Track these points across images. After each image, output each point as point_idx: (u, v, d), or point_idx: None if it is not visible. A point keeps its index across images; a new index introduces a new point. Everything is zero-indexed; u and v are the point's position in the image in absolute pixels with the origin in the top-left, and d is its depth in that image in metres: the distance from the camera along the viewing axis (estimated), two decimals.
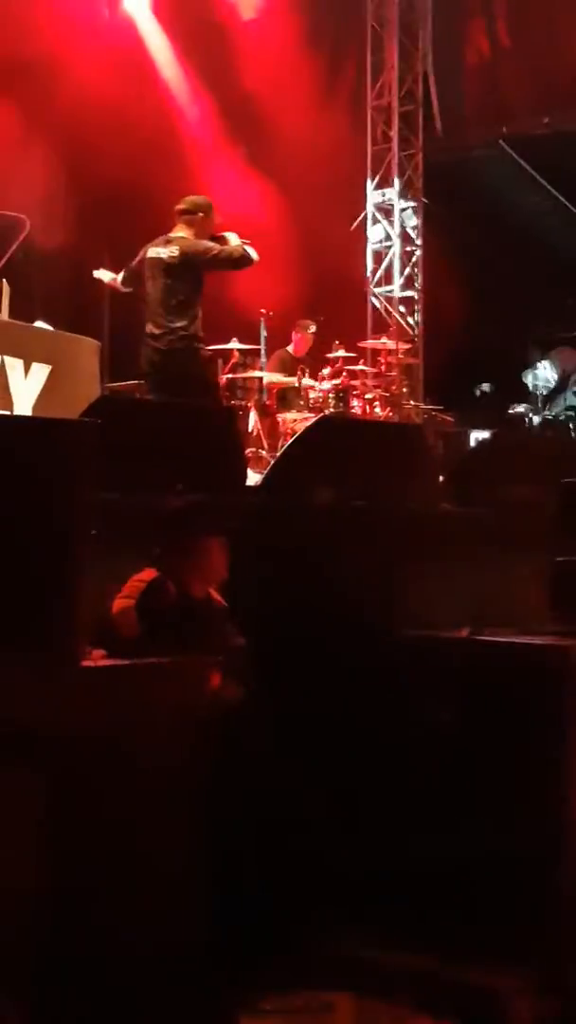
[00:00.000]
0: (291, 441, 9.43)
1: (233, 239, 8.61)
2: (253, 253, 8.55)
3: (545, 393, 14.21)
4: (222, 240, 8.59)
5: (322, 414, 10.68)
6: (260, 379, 11.24)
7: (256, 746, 4.69)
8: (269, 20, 13.49)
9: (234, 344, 10.92)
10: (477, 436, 11.45)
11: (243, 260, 8.54)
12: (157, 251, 8.55)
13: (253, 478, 8.17)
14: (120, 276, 8.96)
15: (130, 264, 8.87)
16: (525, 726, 4.39)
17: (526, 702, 4.39)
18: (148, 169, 12.10)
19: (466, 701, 4.54)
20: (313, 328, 11.89)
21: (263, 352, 11.31)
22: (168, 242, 8.55)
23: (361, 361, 12.43)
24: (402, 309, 14.70)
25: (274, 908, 4.60)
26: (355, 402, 11.48)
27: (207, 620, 4.94)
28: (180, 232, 8.59)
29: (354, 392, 11.54)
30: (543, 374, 14.56)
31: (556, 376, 14.48)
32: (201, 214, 8.66)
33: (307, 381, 11.17)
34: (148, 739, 4.21)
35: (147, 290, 8.58)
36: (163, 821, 4.21)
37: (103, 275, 9.14)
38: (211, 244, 8.53)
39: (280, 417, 10.95)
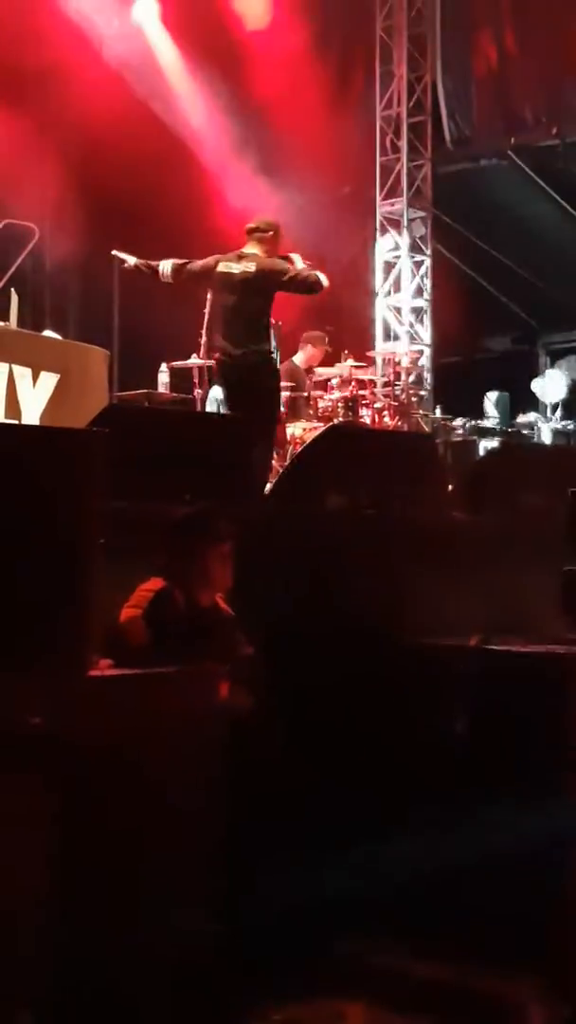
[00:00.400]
0: (300, 450, 9.44)
1: (298, 261, 8.73)
2: (324, 279, 8.63)
3: (555, 402, 14.21)
4: (288, 260, 8.71)
5: (331, 423, 10.68)
6: None
7: (266, 754, 4.68)
8: (278, 30, 13.52)
9: None
10: (486, 445, 11.45)
11: (316, 286, 8.64)
12: (229, 266, 8.67)
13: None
14: (166, 267, 8.91)
15: (186, 263, 8.91)
16: (534, 734, 4.38)
17: (535, 710, 4.38)
18: (157, 178, 12.14)
19: (476, 709, 4.53)
20: (320, 340, 11.87)
21: None
22: (241, 258, 8.66)
23: (371, 370, 12.43)
24: (411, 318, 14.71)
25: (283, 915, 4.58)
26: (364, 411, 11.48)
27: (215, 629, 4.93)
28: (252, 249, 8.68)
29: (363, 401, 11.54)
30: (552, 383, 14.56)
31: (565, 385, 14.48)
32: (271, 233, 8.76)
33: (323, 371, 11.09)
34: (156, 748, 4.21)
35: (214, 303, 8.84)
36: (171, 829, 4.20)
37: (125, 257, 9.14)
38: (287, 265, 8.66)
39: (289, 427, 10.95)
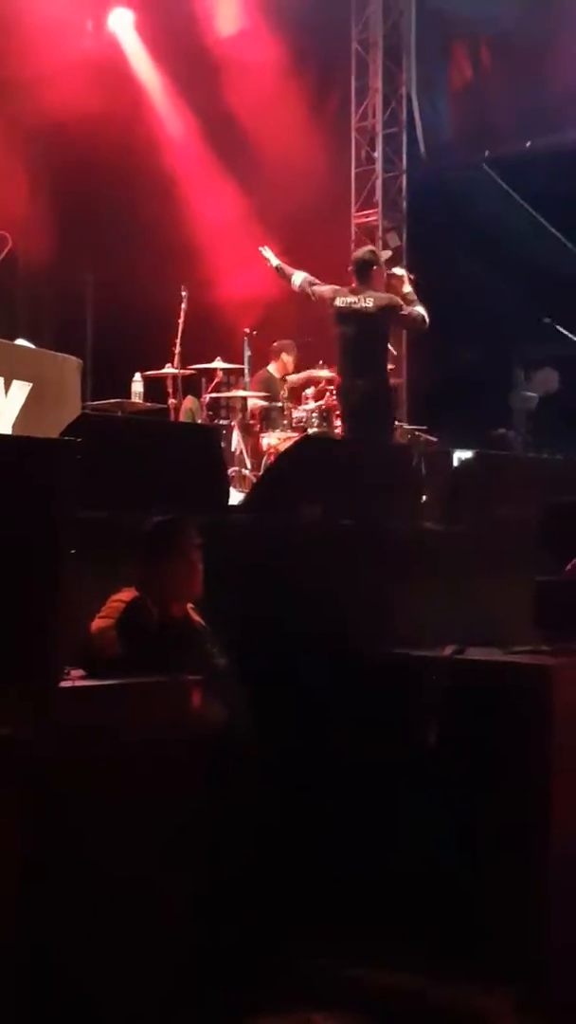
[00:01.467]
0: (274, 460, 9.44)
1: (406, 285, 9.53)
2: (427, 318, 9.48)
3: (528, 413, 14.23)
4: (398, 280, 9.59)
5: (305, 433, 10.66)
6: (243, 398, 11.23)
7: (239, 766, 4.65)
8: (253, 41, 13.52)
9: (218, 363, 10.91)
10: (460, 456, 11.42)
11: (424, 325, 9.52)
12: (346, 301, 9.39)
13: (236, 497, 8.15)
14: (296, 279, 9.77)
15: (313, 284, 9.74)
16: (508, 744, 4.37)
17: (509, 720, 4.37)
18: (131, 186, 12.11)
19: (450, 719, 4.51)
20: (293, 349, 11.85)
21: (247, 371, 11.29)
22: (356, 292, 9.40)
23: None
24: None
25: (256, 927, 4.56)
26: (338, 422, 11.47)
27: (187, 640, 4.90)
28: (364, 283, 9.42)
29: (337, 412, 11.52)
30: (526, 395, 14.59)
31: (538, 396, 14.51)
32: (377, 266, 9.61)
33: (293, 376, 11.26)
34: (128, 759, 4.17)
35: (338, 335, 9.56)
36: (143, 842, 4.16)
37: (269, 256, 9.96)
38: (399, 302, 9.40)
39: (263, 437, 10.93)
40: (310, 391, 11.47)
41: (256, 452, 10.89)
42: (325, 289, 9.60)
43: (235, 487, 9.36)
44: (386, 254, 9.77)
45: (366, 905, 4.67)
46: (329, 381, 11.66)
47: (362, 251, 9.77)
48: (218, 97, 13.34)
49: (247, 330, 11.36)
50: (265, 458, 10.59)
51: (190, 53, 13.36)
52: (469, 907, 4.47)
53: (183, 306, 10.71)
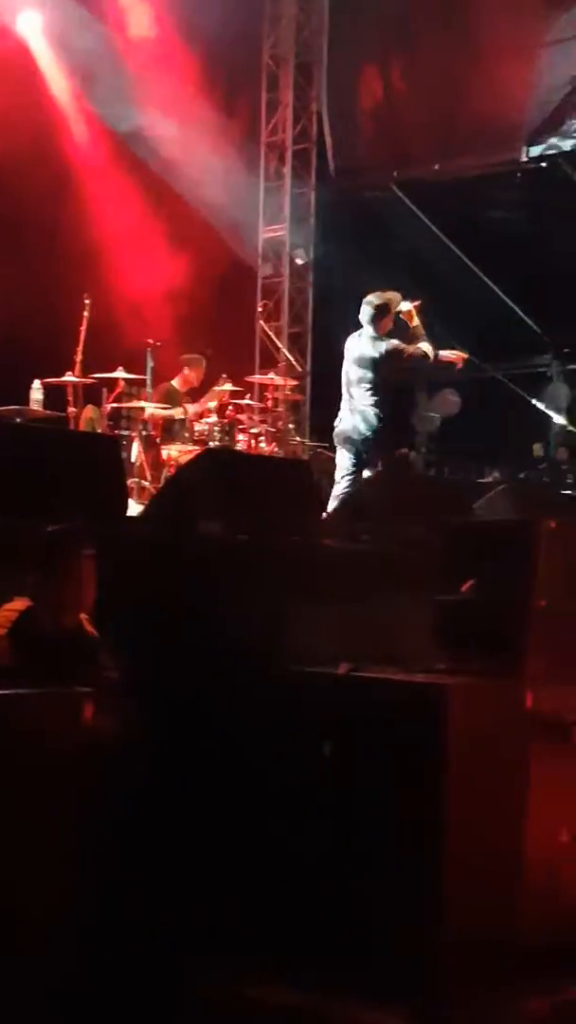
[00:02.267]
0: (174, 473, 9.37)
1: (414, 319, 9.95)
2: (430, 353, 9.95)
3: (430, 434, 14.33)
4: (407, 315, 9.95)
5: (206, 447, 10.62)
6: (144, 409, 11.15)
7: (130, 779, 4.58)
8: (164, 49, 13.46)
9: (120, 373, 10.81)
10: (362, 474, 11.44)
11: (427, 360, 10.02)
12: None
13: (135, 509, 8.06)
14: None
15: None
16: (403, 762, 4.34)
17: (404, 738, 4.35)
18: (36, 192, 11.96)
19: (345, 737, 4.48)
20: (199, 364, 11.82)
21: (149, 383, 11.22)
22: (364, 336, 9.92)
23: (248, 396, 12.40)
24: (290, 345, 14.71)
25: (149, 945, 4.48)
26: (240, 436, 11.44)
27: (80, 651, 4.82)
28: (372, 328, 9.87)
29: (240, 426, 11.50)
30: (428, 415, 14.70)
31: (440, 417, 14.63)
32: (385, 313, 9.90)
33: (192, 407, 11.15)
34: (18, 771, 4.08)
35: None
36: (31, 854, 4.07)
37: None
38: (403, 347, 9.87)
39: (164, 449, 10.87)
40: (212, 405, 11.43)
41: (156, 464, 10.81)
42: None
43: (134, 499, 9.28)
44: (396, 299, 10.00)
45: (262, 924, 4.61)
46: (232, 395, 11.64)
47: (378, 297, 10.02)
48: (128, 104, 13.24)
49: (150, 341, 11.29)
50: (165, 470, 10.53)
51: (100, 61, 13.25)
52: (364, 924, 4.44)
53: (86, 314, 10.61)
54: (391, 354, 9.79)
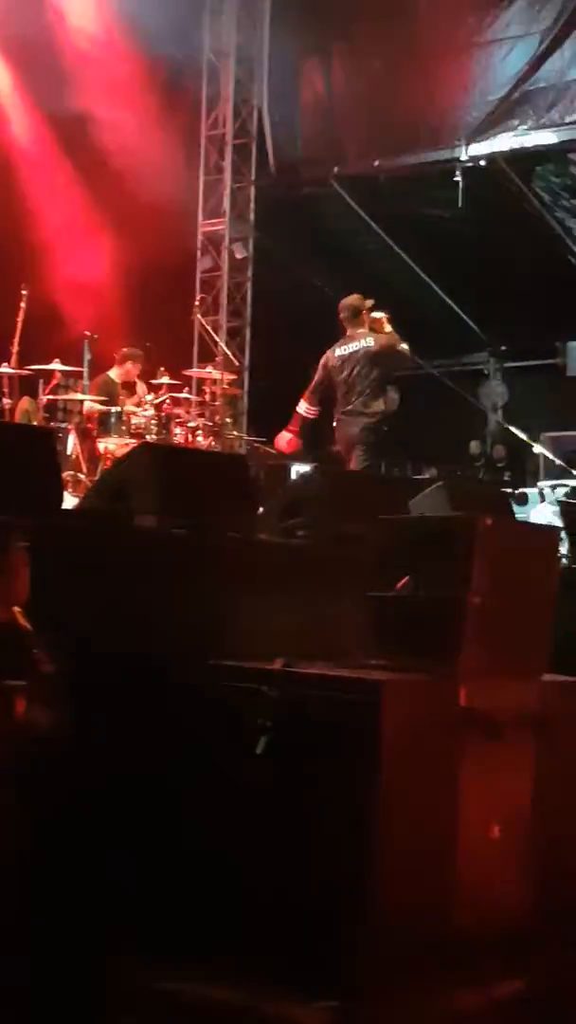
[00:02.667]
0: (111, 466, 9.32)
1: (386, 326, 10.39)
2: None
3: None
4: (378, 323, 10.36)
5: (143, 440, 10.58)
6: (82, 402, 11.09)
7: (62, 774, 4.55)
8: (105, 41, 13.38)
9: (56, 365, 10.75)
10: (298, 469, 11.47)
11: (410, 361, 10.97)
12: (347, 348, 10.25)
13: (70, 502, 8.01)
14: (303, 407, 10.62)
15: (317, 384, 10.56)
16: (337, 758, 4.35)
17: (338, 734, 4.35)
18: None
19: (278, 732, 4.47)
20: (139, 358, 11.77)
21: (86, 375, 11.16)
22: (353, 337, 10.33)
23: (186, 389, 12.37)
24: (229, 340, 14.69)
25: (73, 941, 4.45)
26: (177, 430, 11.41)
27: (12, 643, 4.78)
28: (358, 326, 10.31)
29: (177, 420, 11.46)
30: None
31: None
32: (365, 311, 10.31)
33: (129, 407, 11.08)
34: None
35: (341, 380, 10.31)
36: None
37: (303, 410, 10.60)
38: (398, 339, 10.35)
39: (100, 442, 10.81)
40: (149, 397, 11.39)
41: (93, 457, 10.76)
42: (324, 361, 10.34)
43: (69, 491, 9.22)
44: (369, 302, 10.33)
45: (184, 918, 4.60)
46: (169, 389, 11.60)
47: (352, 298, 10.38)
48: (67, 96, 13.15)
49: (87, 333, 11.23)
50: (101, 463, 10.48)
51: (40, 51, 13.16)
52: (294, 920, 4.43)
53: (23, 305, 10.53)
54: (389, 346, 10.32)
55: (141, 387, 11.46)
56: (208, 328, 14.59)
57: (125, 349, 11.80)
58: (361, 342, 10.24)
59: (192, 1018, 4.33)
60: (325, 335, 15.78)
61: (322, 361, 10.36)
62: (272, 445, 12.89)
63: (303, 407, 10.58)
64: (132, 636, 5.23)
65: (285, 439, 10.74)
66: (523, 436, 14.79)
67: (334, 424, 10.46)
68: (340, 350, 10.30)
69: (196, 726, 4.80)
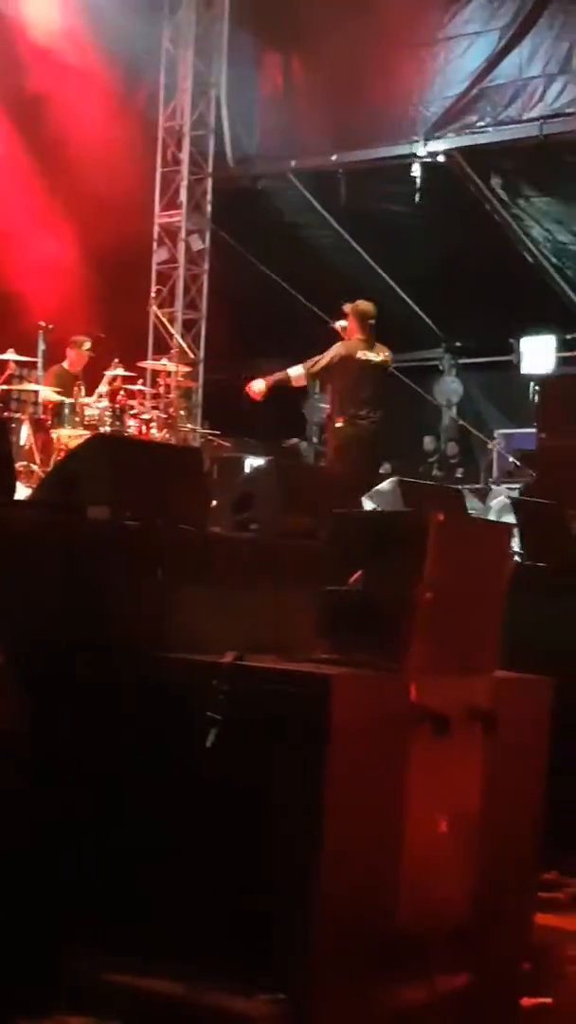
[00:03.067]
0: (63, 457, 9.28)
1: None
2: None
3: (319, 424, 14.38)
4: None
5: (97, 431, 10.54)
6: (36, 392, 11.03)
7: (10, 767, 4.52)
8: (62, 30, 13.30)
9: (10, 355, 10.68)
10: (252, 462, 11.46)
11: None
12: (367, 355, 10.17)
13: (23, 492, 7.97)
14: (296, 371, 10.33)
15: (319, 360, 10.19)
16: (285, 751, 4.34)
17: (287, 727, 4.34)
18: None
19: (226, 725, 4.46)
20: (88, 345, 11.73)
21: (40, 365, 11.11)
22: (370, 347, 10.24)
23: (140, 381, 12.33)
24: (184, 332, 14.65)
25: (21, 932, 4.42)
26: (131, 422, 11.38)
27: None
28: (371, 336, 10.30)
29: (131, 412, 11.44)
30: (319, 406, 14.73)
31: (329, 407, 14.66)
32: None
33: (84, 399, 11.04)
34: None
35: (352, 383, 10.20)
36: None
37: (261, 386, 10.41)
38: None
39: (54, 433, 10.77)
40: (103, 388, 11.35)
41: (46, 448, 10.71)
42: (338, 349, 10.10)
43: (23, 482, 9.18)
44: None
45: (128, 911, 4.58)
46: (124, 380, 11.56)
47: (370, 305, 10.32)
48: (22, 85, 13.06)
49: (42, 323, 11.18)
50: (55, 454, 10.43)
51: None
52: (240, 915, 4.43)
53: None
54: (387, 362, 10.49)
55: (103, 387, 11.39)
56: (163, 320, 14.55)
57: (73, 338, 11.76)
58: (380, 355, 10.26)
59: (136, 1010, 4.32)
60: (280, 329, 15.84)
61: (340, 350, 10.11)
62: (225, 437, 12.90)
63: (296, 373, 10.31)
64: (82, 628, 5.20)
65: (258, 386, 10.44)
66: (477, 433, 14.87)
67: (337, 424, 10.35)
68: (363, 353, 10.16)
69: (145, 719, 4.78)
